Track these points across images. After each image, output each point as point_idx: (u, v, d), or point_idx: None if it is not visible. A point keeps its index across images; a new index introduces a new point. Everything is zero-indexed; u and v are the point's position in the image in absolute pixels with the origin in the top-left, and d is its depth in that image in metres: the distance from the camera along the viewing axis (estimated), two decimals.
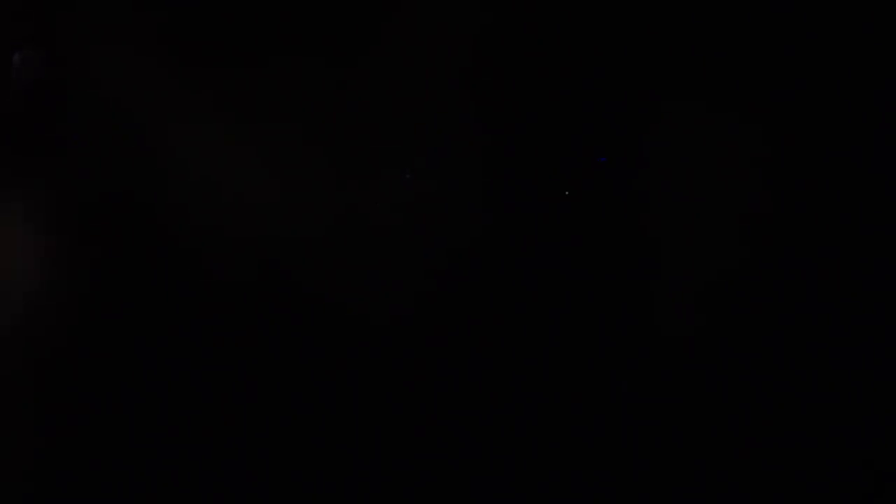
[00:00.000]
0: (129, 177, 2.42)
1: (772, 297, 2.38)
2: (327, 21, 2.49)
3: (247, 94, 2.46)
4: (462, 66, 2.49)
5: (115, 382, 2.30)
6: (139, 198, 2.42)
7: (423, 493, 2.21)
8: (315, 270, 2.42)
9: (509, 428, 2.29)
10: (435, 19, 2.47)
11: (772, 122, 2.42)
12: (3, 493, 2.14)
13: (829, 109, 2.41)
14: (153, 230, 2.40)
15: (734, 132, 2.41)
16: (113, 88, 2.42)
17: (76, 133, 2.42)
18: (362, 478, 2.22)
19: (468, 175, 2.51)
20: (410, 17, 2.47)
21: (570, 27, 2.49)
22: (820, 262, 2.37)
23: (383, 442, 2.28)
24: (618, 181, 2.49)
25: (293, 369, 2.36)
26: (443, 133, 2.51)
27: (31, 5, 2.43)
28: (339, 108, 2.50)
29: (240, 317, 2.39)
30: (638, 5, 2.47)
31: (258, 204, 2.45)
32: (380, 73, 2.50)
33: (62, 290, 2.32)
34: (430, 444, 2.28)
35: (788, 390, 2.29)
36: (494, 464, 2.24)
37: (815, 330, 2.32)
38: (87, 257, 2.36)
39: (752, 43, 2.43)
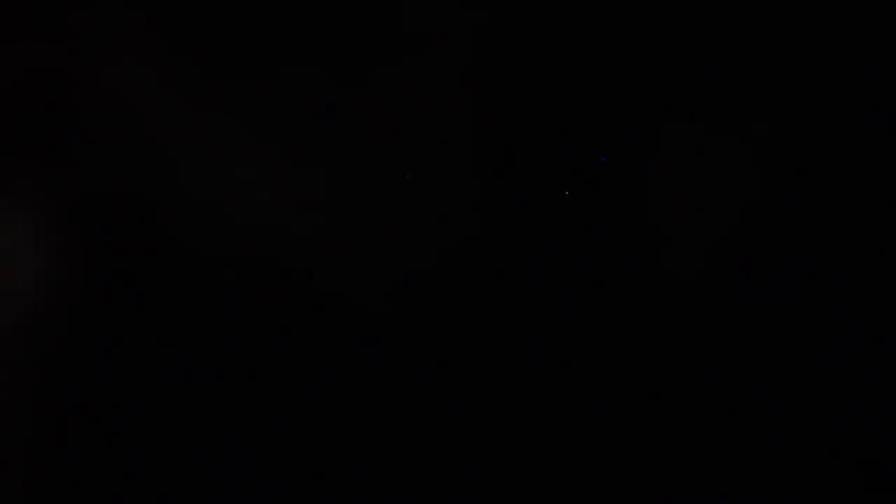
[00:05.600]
0: (130, 177, 2.42)
1: (772, 297, 2.38)
2: (328, 23, 2.49)
3: (248, 95, 2.47)
4: (462, 66, 2.49)
5: (115, 381, 2.30)
6: (140, 198, 2.42)
7: (419, 490, 2.22)
8: (315, 270, 2.42)
9: (508, 425, 2.30)
10: (435, 21, 2.47)
11: (771, 122, 2.42)
12: (2, 493, 2.14)
13: (829, 110, 2.41)
14: (154, 231, 2.41)
15: (734, 132, 2.41)
16: (114, 88, 2.42)
17: (77, 133, 2.42)
18: (358, 472, 2.23)
19: (468, 175, 2.51)
20: (412, 18, 2.47)
21: (570, 28, 2.49)
22: (820, 261, 2.37)
23: (381, 439, 2.28)
24: (618, 181, 2.49)
25: (294, 366, 2.36)
26: (443, 133, 2.51)
27: (34, 6, 2.43)
28: (341, 108, 2.50)
29: (240, 316, 2.39)
30: (638, 7, 2.47)
31: (259, 203, 2.45)
32: (381, 73, 2.50)
33: (62, 290, 2.33)
34: (431, 439, 2.28)
35: (787, 390, 2.29)
36: (492, 460, 2.25)
37: (815, 330, 2.33)
38: (88, 257, 2.37)
39: (752, 45, 2.43)
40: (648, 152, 2.47)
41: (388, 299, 2.42)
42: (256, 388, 2.33)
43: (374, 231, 2.48)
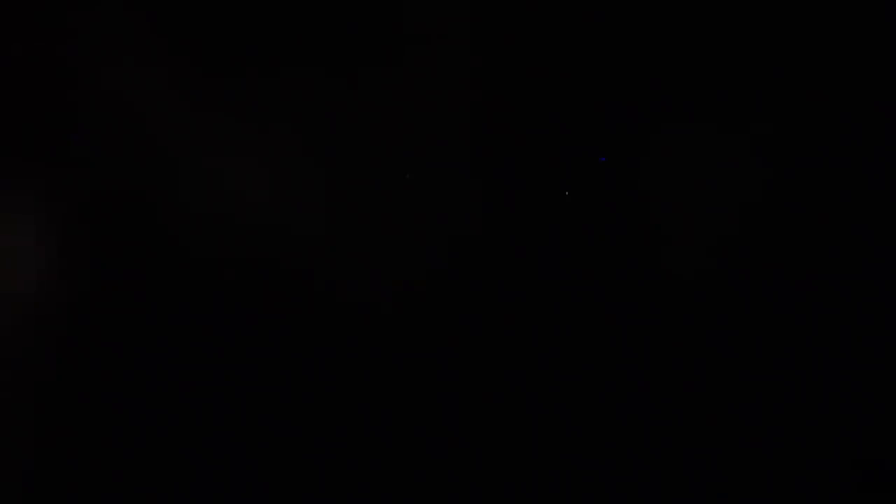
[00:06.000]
0: (130, 177, 2.42)
1: (773, 298, 2.38)
2: (328, 22, 2.49)
3: (248, 95, 2.46)
4: (462, 66, 2.49)
5: (115, 381, 2.30)
6: (140, 198, 2.42)
7: (420, 492, 2.22)
8: (316, 270, 2.42)
9: (508, 425, 2.30)
10: (435, 20, 2.47)
11: (770, 122, 2.42)
12: (2, 493, 2.14)
13: (828, 110, 2.41)
14: (154, 231, 2.41)
15: (733, 132, 2.41)
16: (114, 88, 2.42)
17: (77, 133, 2.42)
18: (360, 473, 2.23)
19: (468, 175, 2.51)
20: (411, 18, 2.47)
21: (570, 27, 2.49)
22: (818, 262, 2.37)
23: (382, 440, 2.28)
24: (618, 181, 2.49)
25: (294, 366, 2.36)
26: (443, 133, 2.51)
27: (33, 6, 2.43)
28: (340, 108, 2.50)
29: (241, 316, 2.39)
30: (638, 6, 2.47)
31: (259, 203, 2.45)
32: (381, 73, 2.50)
33: (62, 290, 2.33)
34: (430, 440, 2.28)
35: (788, 390, 2.29)
36: (494, 460, 2.25)
37: (814, 331, 2.33)
38: (88, 257, 2.37)
39: (751, 44, 2.43)
40: (649, 152, 2.47)
41: (387, 299, 2.42)
42: (257, 388, 2.33)
43: (374, 231, 2.48)
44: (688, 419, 2.29)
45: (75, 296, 2.34)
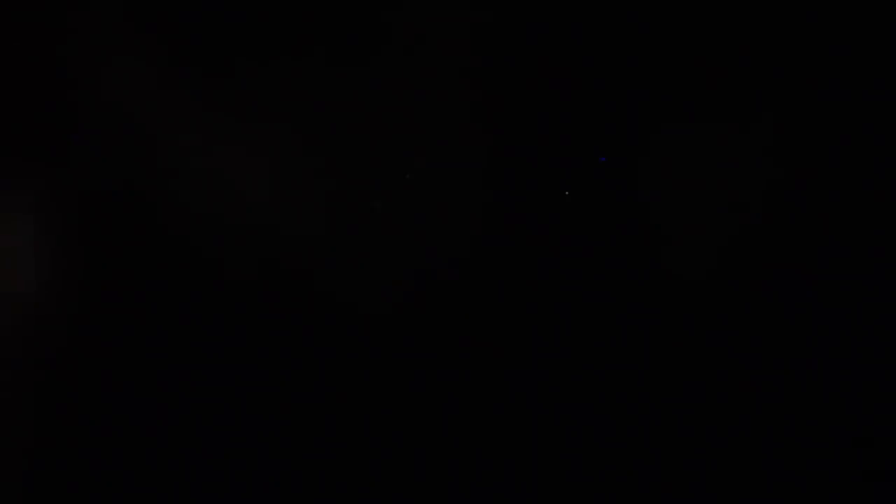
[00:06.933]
0: (130, 177, 2.42)
1: (771, 298, 2.37)
2: (328, 21, 2.49)
3: (248, 94, 2.47)
4: (462, 65, 2.49)
5: (115, 381, 2.31)
6: (140, 198, 2.42)
7: (421, 493, 2.22)
8: (315, 270, 2.42)
9: (508, 427, 2.30)
10: (435, 19, 2.47)
11: (770, 122, 2.42)
12: (2, 493, 2.15)
13: (828, 110, 2.40)
14: (155, 231, 2.41)
15: (733, 132, 2.41)
16: (114, 88, 2.42)
17: (77, 133, 2.42)
18: (360, 476, 2.23)
19: (468, 175, 2.51)
20: (411, 17, 2.47)
21: (570, 27, 2.49)
22: (819, 262, 2.37)
23: (382, 440, 2.28)
24: (618, 181, 2.49)
25: (293, 367, 2.36)
26: (443, 133, 2.51)
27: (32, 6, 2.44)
28: (340, 107, 2.50)
29: (240, 316, 2.39)
30: (638, 6, 2.47)
31: (258, 203, 2.45)
32: (381, 72, 2.50)
33: (62, 290, 2.33)
34: (430, 442, 2.28)
35: (786, 393, 2.29)
36: (495, 462, 2.25)
37: (814, 332, 2.32)
38: (88, 257, 2.37)
39: (751, 43, 2.43)
40: (649, 152, 2.47)
41: (386, 299, 2.42)
42: (257, 389, 2.33)
43: (374, 231, 2.48)
44: (687, 418, 2.29)
45: (75, 296, 2.34)
